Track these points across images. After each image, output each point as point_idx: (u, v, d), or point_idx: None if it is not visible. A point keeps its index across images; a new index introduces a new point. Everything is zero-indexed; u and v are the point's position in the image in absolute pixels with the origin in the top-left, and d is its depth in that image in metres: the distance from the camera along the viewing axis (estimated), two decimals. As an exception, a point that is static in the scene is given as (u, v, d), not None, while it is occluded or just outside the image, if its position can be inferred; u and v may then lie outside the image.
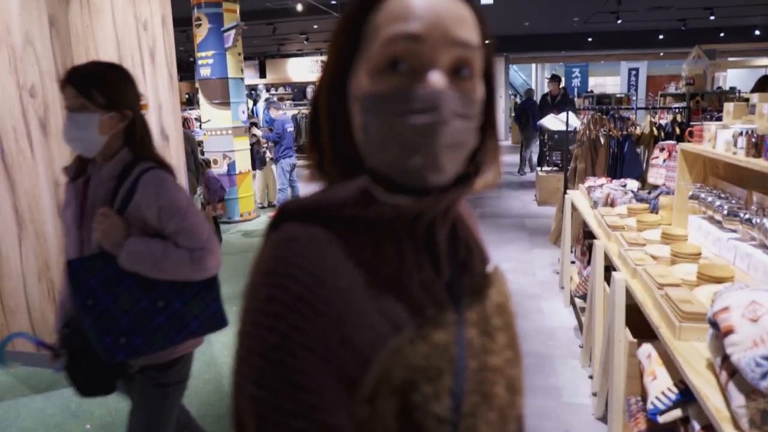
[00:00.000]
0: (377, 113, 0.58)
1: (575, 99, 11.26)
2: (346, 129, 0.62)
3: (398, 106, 0.57)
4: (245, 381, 0.54)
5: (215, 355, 3.64)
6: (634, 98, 16.39)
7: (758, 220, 2.17)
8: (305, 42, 16.11)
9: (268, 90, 19.43)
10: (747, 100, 2.95)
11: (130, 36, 3.44)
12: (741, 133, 2.30)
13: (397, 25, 0.56)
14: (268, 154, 8.01)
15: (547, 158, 8.61)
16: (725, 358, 1.39)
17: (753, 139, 2.19)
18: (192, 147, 5.82)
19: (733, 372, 1.34)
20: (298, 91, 19.57)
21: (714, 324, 1.47)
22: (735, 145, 2.35)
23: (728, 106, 2.80)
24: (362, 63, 0.59)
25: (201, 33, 7.06)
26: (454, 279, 0.66)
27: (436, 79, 0.57)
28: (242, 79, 7.43)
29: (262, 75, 20.02)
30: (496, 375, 0.64)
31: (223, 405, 3.09)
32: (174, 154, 3.92)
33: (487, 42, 0.62)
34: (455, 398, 0.58)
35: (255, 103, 13.87)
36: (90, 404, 3.09)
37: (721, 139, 2.50)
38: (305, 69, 19.32)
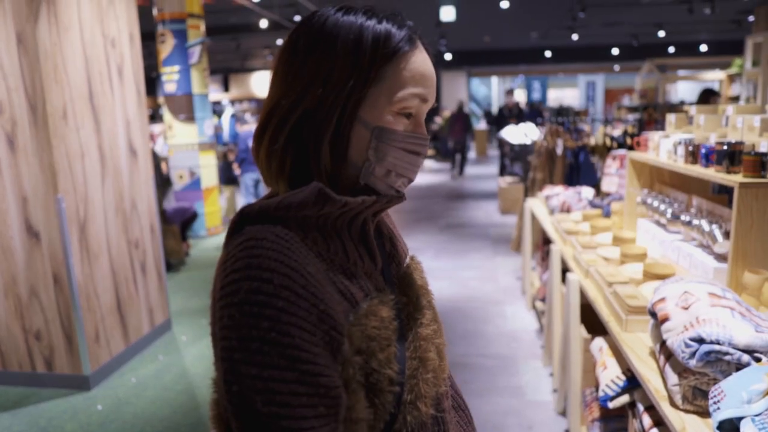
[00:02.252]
0: (391, 144, 0.75)
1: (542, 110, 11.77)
2: (343, 146, 0.75)
3: (408, 144, 0.76)
4: (243, 366, 0.62)
5: (186, 366, 3.67)
6: (592, 110, 16.91)
7: (697, 222, 2.35)
8: (269, 57, 16.19)
9: (232, 104, 19.37)
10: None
11: (98, 53, 3.49)
12: (680, 143, 2.50)
13: (417, 88, 0.75)
14: (237, 171, 8.02)
15: (508, 169, 8.85)
16: (663, 344, 1.54)
17: (690, 148, 2.38)
18: (156, 163, 5.84)
19: (669, 355, 1.48)
20: (261, 105, 19.50)
21: (653, 314, 1.62)
22: (675, 153, 2.54)
23: (670, 117, 3.01)
24: (381, 100, 0.74)
25: (166, 49, 7.08)
26: (385, 267, 0.82)
27: (424, 130, 0.79)
28: (207, 94, 7.46)
29: (226, 90, 20.00)
30: (428, 343, 0.79)
31: (196, 414, 3.13)
32: (142, 169, 3.96)
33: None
34: (400, 362, 0.74)
35: (220, 117, 13.82)
36: (60, 419, 3.10)
37: (664, 148, 2.69)
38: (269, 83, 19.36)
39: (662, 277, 2.15)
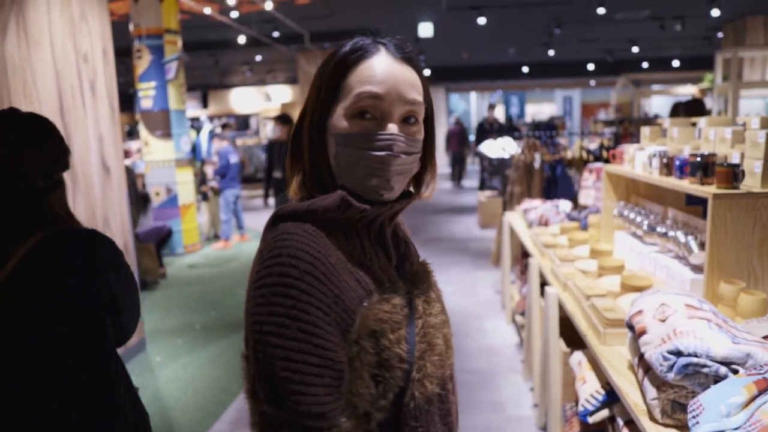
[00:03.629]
0: (348, 146, 0.83)
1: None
2: (324, 156, 0.87)
3: (365, 143, 0.83)
4: (270, 336, 0.75)
5: (160, 387, 3.58)
6: (569, 124, 17.14)
7: (673, 234, 2.36)
8: (248, 74, 16.15)
9: (211, 120, 19.26)
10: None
11: (70, 68, 3.43)
12: (655, 155, 2.51)
13: (365, 86, 0.82)
14: (213, 184, 7.93)
15: (487, 183, 8.90)
16: (641, 357, 1.52)
17: (664, 160, 2.40)
18: (131, 179, 5.74)
19: (648, 369, 1.47)
20: (241, 122, 19.47)
21: (631, 327, 1.61)
22: (650, 165, 2.56)
23: (645, 130, 3.03)
24: (339, 109, 0.84)
25: (142, 64, 7.01)
26: (399, 264, 0.93)
27: (391, 127, 0.83)
28: (184, 111, 7.39)
29: (205, 106, 19.88)
30: (436, 330, 0.90)
31: (170, 437, 3.04)
32: (116, 186, 3.88)
33: (429, 99, 0.90)
34: (410, 344, 0.84)
35: (198, 133, 13.73)
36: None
37: (639, 160, 2.71)
38: (248, 100, 19.30)
39: (640, 289, 2.15)
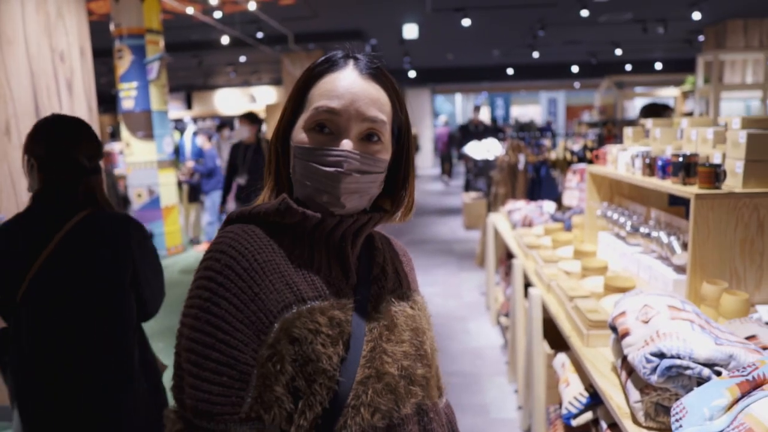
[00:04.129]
0: (302, 159, 0.82)
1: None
2: (287, 168, 0.87)
3: (316, 158, 0.81)
4: (184, 327, 0.77)
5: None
6: (554, 126, 17.24)
7: (656, 234, 2.35)
8: (232, 75, 16.03)
9: (195, 122, 19.09)
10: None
11: (45, 67, 3.35)
12: (637, 155, 2.51)
13: (324, 100, 0.81)
14: (191, 179, 7.71)
15: (472, 185, 8.90)
16: (624, 359, 1.51)
17: (647, 161, 2.40)
18: (111, 181, 5.66)
19: (631, 371, 1.45)
20: (225, 123, 19.32)
21: (614, 328, 1.59)
22: (633, 165, 2.55)
23: (627, 131, 3.03)
24: (300, 121, 0.84)
25: (123, 65, 6.92)
26: (362, 286, 0.88)
27: (345, 143, 0.81)
28: (166, 111, 7.30)
29: (189, 107, 19.71)
30: (389, 358, 0.83)
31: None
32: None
33: (400, 116, 0.89)
34: (348, 365, 0.78)
35: (182, 134, 13.59)
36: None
37: (622, 161, 2.71)
38: (232, 101, 19.16)
39: (623, 290, 2.14)
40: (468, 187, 9.47)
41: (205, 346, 0.73)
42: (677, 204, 2.74)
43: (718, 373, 1.26)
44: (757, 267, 1.89)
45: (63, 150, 1.65)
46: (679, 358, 1.28)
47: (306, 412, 0.75)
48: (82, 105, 3.69)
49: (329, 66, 0.84)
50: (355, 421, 0.77)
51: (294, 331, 0.76)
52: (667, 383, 1.30)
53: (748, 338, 1.45)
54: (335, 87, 0.82)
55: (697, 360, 1.27)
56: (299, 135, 0.83)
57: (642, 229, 2.49)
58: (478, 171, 8.43)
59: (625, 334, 1.48)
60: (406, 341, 0.86)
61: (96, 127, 3.83)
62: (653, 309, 1.47)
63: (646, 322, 1.43)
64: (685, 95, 9.46)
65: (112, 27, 6.90)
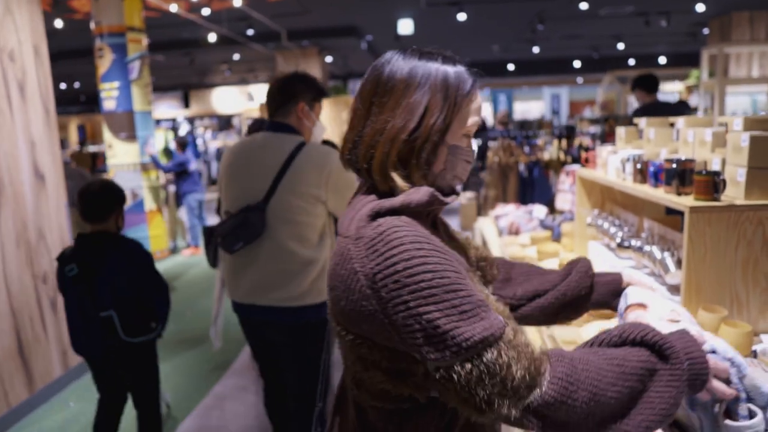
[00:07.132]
0: (458, 157, 1.01)
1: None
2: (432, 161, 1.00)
3: (466, 156, 1.03)
4: (422, 308, 0.84)
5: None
6: (557, 123, 16.93)
7: (648, 248, 2.10)
8: (227, 73, 15.79)
9: (191, 121, 18.91)
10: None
11: (-9, 67, 3.12)
12: (628, 159, 2.25)
13: (477, 117, 1.04)
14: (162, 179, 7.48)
15: (469, 184, 8.63)
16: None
17: (638, 165, 2.13)
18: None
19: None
20: (224, 122, 19.12)
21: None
22: (624, 170, 2.29)
23: (620, 131, 2.75)
24: (458, 129, 1.00)
25: (104, 64, 6.69)
26: None
27: (473, 144, 1.05)
28: (150, 112, 7.06)
29: (187, 106, 19.49)
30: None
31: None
32: (52, 195, 3.57)
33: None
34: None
35: (176, 134, 13.40)
36: None
37: (612, 165, 2.44)
38: (230, 100, 18.93)
39: (609, 316, 1.88)
40: (465, 186, 9.21)
41: (457, 306, 0.84)
42: (675, 213, 2.47)
43: None
44: (761, 291, 1.64)
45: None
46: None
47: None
48: (37, 108, 3.45)
49: (473, 88, 1.03)
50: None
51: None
52: None
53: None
54: (480, 105, 1.05)
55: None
56: (457, 139, 1.01)
57: (633, 242, 2.23)
58: (471, 171, 8.18)
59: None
60: None
61: (54, 130, 3.60)
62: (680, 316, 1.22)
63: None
64: (690, 90, 9.15)
65: (92, 25, 6.67)
